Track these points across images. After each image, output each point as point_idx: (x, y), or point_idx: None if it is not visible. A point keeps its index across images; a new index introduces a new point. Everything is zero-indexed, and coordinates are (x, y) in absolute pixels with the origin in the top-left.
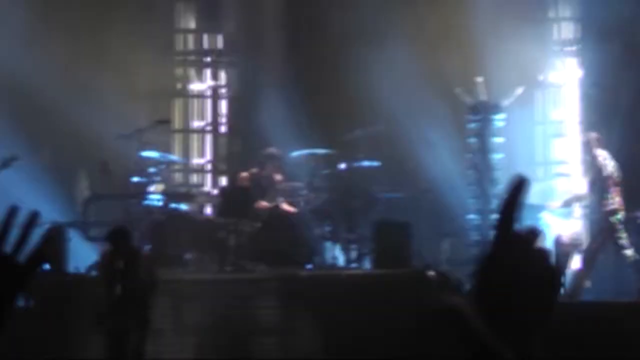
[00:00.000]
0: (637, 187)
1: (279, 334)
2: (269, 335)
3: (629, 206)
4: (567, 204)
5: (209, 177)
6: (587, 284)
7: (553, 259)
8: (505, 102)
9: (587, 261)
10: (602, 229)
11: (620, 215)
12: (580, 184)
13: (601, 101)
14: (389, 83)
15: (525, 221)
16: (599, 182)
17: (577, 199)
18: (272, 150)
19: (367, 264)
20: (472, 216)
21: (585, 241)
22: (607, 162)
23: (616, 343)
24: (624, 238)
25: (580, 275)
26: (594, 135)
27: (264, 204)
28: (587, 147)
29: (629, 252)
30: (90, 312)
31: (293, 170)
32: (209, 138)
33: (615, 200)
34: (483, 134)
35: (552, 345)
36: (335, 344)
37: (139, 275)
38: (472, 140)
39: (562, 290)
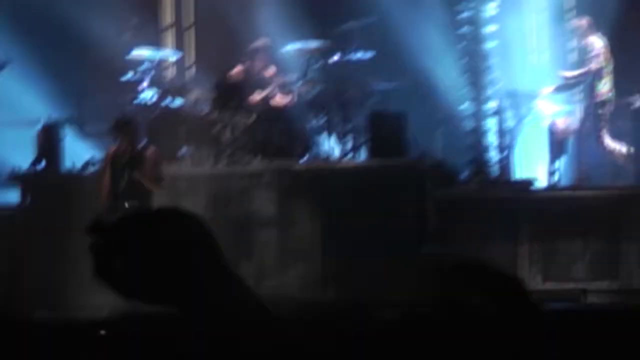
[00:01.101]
0: (632, 71)
1: (277, 226)
2: (266, 227)
3: (623, 91)
4: (559, 89)
5: (200, 72)
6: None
7: None
8: None
9: (579, 146)
10: (590, 116)
11: (611, 104)
12: (572, 71)
13: None
14: None
15: (521, 108)
16: (590, 68)
17: (570, 84)
18: (263, 41)
19: (362, 155)
20: (466, 104)
21: (578, 127)
22: (601, 48)
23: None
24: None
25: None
26: (585, 19)
27: (257, 96)
28: (580, 31)
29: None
30: (88, 211)
31: (286, 62)
32: (196, 33)
33: (606, 88)
34: (476, 22)
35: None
36: (334, 235)
37: (143, 169)
38: (465, 29)
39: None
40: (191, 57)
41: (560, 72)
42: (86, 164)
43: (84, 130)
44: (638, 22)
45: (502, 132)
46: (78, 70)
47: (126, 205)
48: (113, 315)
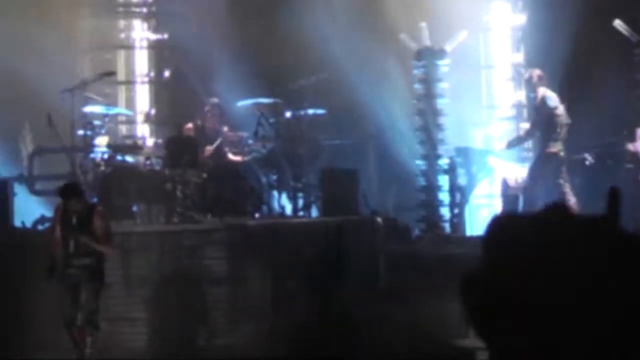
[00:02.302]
0: (583, 128)
1: (229, 284)
2: (218, 285)
3: (573, 148)
4: (509, 145)
5: (153, 129)
6: None
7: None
8: (449, 47)
9: (530, 203)
10: (544, 169)
11: (563, 156)
12: (523, 126)
13: (543, 44)
14: (334, 31)
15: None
16: (541, 122)
17: (520, 140)
18: (215, 100)
19: (314, 212)
20: (418, 162)
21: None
22: (553, 101)
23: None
24: (565, 179)
25: None
26: (537, 71)
27: (209, 149)
28: (531, 83)
29: (571, 194)
30: (41, 266)
31: (239, 119)
32: (153, 89)
33: (559, 141)
34: (428, 79)
35: None
36: (284, 292)
37: (92, 229)
38: (418, 86)
39: None
40: (143, 114)
41: (511, 127)
42: (36, 222)
43: (34, 188)
44: (590, 77)
45: (454, 189)
46: (30, 128)
47: (77, 262)
48: None
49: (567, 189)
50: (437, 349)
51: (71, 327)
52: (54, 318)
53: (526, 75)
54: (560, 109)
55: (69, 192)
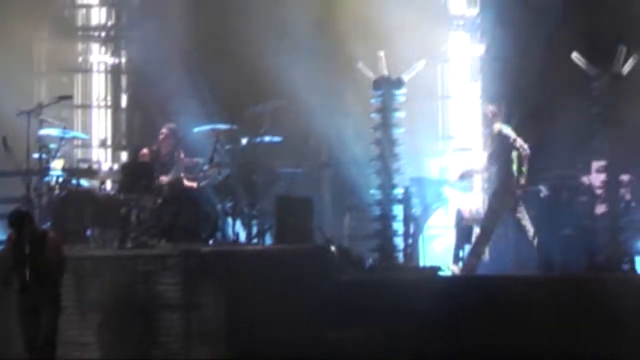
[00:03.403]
0: (539, 160)
1: (182, 310)
2: (171, 311)
3: (529, 180)
4: (464, 176)
5: (108, 153)
6: (485, 257)
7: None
8: (407, 77)
9: (486, 234)
10: (497, 202)
11: (521, 190)
12: (479, 158)
13: (502, 75)
14: (291, 58)
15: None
16: (498, 155)
17: (474, 171)
18: (172, 125)
19: (268, 240)
20: (373, 191)
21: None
22: (509, 134)
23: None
24: (523, 212)
25: (477, 248)
26: (492, 107)
27: (164, 179)
28: (486, 119)
29: (528, 226)
30: None
31: (194, 145)
32: (109, 113)
33: (513, 174)
34: (385, 108)
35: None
36: (238, 319)
37: (46, 256)
38: (374, 115)
39: (460, 264)
40: (99, 139)
41: (467, 158)
42: None
43: None
44: (548, 109)
45: (408, 219)
46: None
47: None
48: None
49: (525, 222)
50: None
51: (32, 352)
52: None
53: (483, 110)
54: (518, 142)
55: (18, 221)
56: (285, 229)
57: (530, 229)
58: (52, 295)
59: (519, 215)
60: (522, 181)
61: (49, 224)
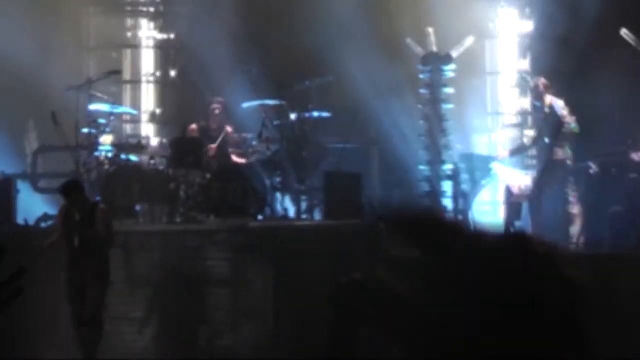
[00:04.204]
0: (588, 137)
1: (230, 286)
2: (220, 286)
3: (579, 156)
4: (515, 152)
5: (157, 129)
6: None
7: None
8: (456, 53)
9: (535, 210)
10: (550, 177)
11: (570, 165)
12: (528, 134)
13: (551, 52)
14: (340, 34)
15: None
16: (548, 129)
17: (525, 147)
18: (221, 100)
19: (317, 215)
20: (422, 167)
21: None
22: (562, 109)
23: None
24: (570, 188)
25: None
26: (542, 80)
27: (212, 147)
28: (537, 92)
29: (574, 203)
30: (43, 265)
31: (244, 121)
32: (158, 89)
33: (566, 149)
34: (434, 84)
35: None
36: (287, 295)
37: (96, 228)
38: (423, 91)
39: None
40: (148, 114)
41: (517, 134)
42: (39, 220)
43: (37, 186)
44: (595, 86)
45: (457, 195)
46: (34, 126)
47: (82, 261)
48: None
49: (573, 198)
50: None
51: (80, 326)
52: (56, 317)
53: (532, 84)
54: (569, 118)
55: (70, 189)
56: (334, 204)
57: (578, 207)
58: (101, 269)
59: (567, 191)
60: (571, 156)
61: (98, 198)
